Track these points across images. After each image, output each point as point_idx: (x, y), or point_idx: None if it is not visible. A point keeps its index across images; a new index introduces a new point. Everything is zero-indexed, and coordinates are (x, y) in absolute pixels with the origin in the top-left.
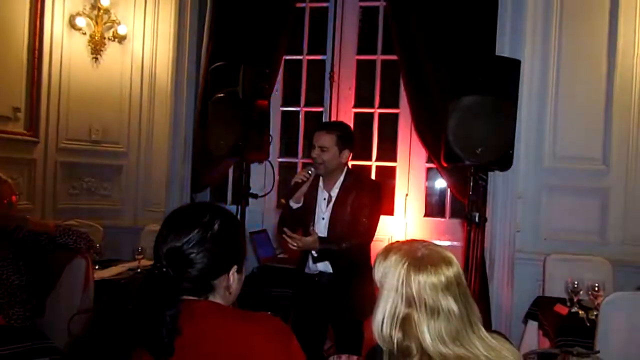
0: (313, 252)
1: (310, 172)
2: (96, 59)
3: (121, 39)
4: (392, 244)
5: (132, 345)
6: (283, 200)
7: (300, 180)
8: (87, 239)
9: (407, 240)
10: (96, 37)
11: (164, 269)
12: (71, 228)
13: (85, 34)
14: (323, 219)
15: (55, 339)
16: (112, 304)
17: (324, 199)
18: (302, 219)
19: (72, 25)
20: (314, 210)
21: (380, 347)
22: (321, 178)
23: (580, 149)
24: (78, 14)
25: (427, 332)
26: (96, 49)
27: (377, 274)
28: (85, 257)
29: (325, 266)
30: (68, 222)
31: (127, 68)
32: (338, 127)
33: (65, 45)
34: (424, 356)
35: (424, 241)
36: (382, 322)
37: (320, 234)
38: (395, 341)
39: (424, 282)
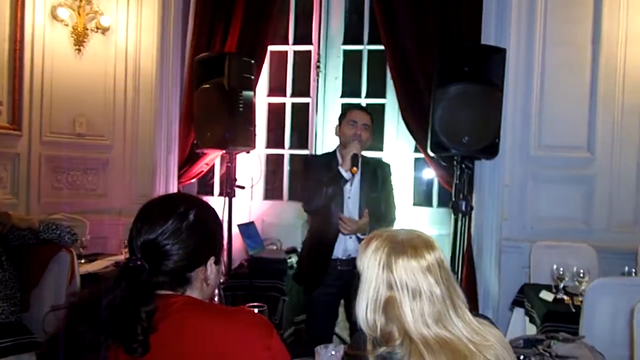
0: (359, 234)
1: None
2: (79, 50)
3: (104, 30)
4: (375, 231)
5: (107, 342)
6: (355, 169)
7: (357, 152)
8: (71, 233)
9: (391, 228)
10: (79, 29)
11: (139, 262)
12: (54, 222)
13: (67, 25)
14: (349, 198)
15: (40, 334)
16: (86, 299)
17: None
18: (334, 194)
19: (54, 16)
20: (340, 190)
21: (364, 334)
22: (340, 159)
23: (565, 137)
24: (60, 5)
25: (410, 314)
26: (79, 40)
27: (359, 262)
28: (70, 251)
29: (353, 247)
30: (53, 216)
31: (111, 59)
32: (370, 113)
33: (48, 37)
34: (405, 339)
35: (406, 228)
36: (366, 308)
37: (348, 213)
38: (379, 326)
39: (405, 264)
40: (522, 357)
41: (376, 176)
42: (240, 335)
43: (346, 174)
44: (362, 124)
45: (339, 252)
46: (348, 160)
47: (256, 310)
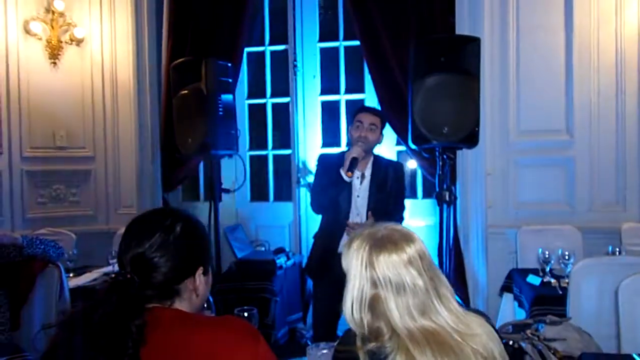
0: None
1: (361, 144)
2: (55, 63)
3: (79, 41)
4: (355, 232)
5: (99, 357)
6: (350, 174)
7: (358, 155)
8: (56, 247)
9: (370, 225)
10: (53, 42)
11: (129, 276)
12: (38, 237)
13: (41, 39)
14: (358, 196)
15: (32, 352)
16: (76, 316)
17: (357, 177)
18: (337, 196)
19: (27, 31)
20: (349, 188)
21: (353, 331)
22: None
23: (543, 121)
24: (32, 19)
25: (396, 309)
26: (54, 53)
27: (344, 262)
28: (57, 265)
29: None
30: (39, 231)
31: (87, 71)
32: (380, 112)
33: (22, 51)
34: (394, 334)
35: (385, 223)
36: (352, 307)
37: (356, 210)
38: (366, 324)
39: (386, 260)
40: (511, 342)
41: (387, 176)
42: (227, 345)
43: (346, 177)
44: (369, 124)
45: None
46: (347, 164)
47: (246, 314)
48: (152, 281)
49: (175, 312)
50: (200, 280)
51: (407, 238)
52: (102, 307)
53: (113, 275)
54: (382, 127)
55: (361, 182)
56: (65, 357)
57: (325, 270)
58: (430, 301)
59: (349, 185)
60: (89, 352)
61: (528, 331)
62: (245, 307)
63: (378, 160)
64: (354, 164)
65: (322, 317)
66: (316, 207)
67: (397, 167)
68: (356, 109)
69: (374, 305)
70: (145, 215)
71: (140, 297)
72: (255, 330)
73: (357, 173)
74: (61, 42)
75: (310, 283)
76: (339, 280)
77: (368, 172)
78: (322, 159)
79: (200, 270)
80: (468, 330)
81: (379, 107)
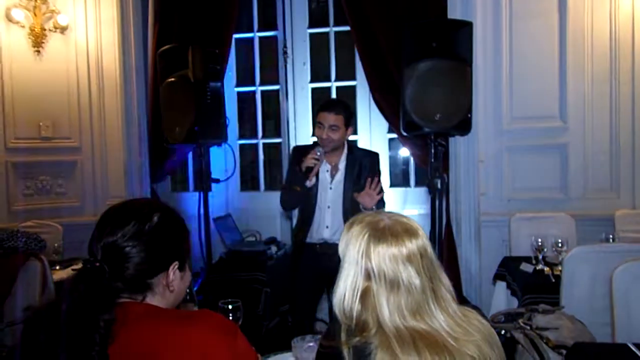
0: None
1: (318, 153)
2: (38, 52)
3: (63, 29)
4: (358, 215)
5: (65, 354)
6: (299, 188)
7: (312, 164)
8: (37, 240)
9: (374, 212)
10: (36, 30)
11: (98, 264)
12: (19, 230)
13: (24, 27)
14: (331, 188)
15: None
16: (41, 311)
17: (327, 171)
18: (302, 196)
19: (9, 18)
20: (317, 183)
21: (339, 323)
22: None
23: (537, 107)
24: (14, 6)
25: (386, 306)
26: (37, 41)
27: (341, 245)
28: (40, 258)
29: (330, 235)
30: (25, 223)
31: (72, 59)
32: (343, 107)
33: (4, 40)
34: (379, 330)
35: (390, 212)
36: (344, 296)
37: (326, 204)
38: (355, 315)
39: (384, 253)
40: (503, 332)
41: (362, 166)
42: (203, 340)
43: (307, 182)
44: (329, 126)
45: (313, 237)
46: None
47: (230, 307)
48: (123, 273)
49: (146, 307)
50: (175, 276)
51: (410, 232)
52: (70, 297)
53: (82, 264)
54: (347, 122)
55: (332, 175)
56: (31, 353)
57: (300, 260)
58: (426, 302)
59: (315, 182)
60: (54, 348)
61: (520, 320)
62: (230, 300)
63: (353, 151)
64: (307, 174)
65: (301, 310)
66: (283, 205)
67: (372, 156)
68: (318, 108)
69: (365, 297)
70: (123, 203)
71: (109, 289)
72: (232, 325)
73: (327, 167)
74: (45, 30)
75: None
76: (315, 269)
77: (342, 165)
78: (295, 152)
79: (175, 265)
80: (465, 336)
81: (370, 94)
